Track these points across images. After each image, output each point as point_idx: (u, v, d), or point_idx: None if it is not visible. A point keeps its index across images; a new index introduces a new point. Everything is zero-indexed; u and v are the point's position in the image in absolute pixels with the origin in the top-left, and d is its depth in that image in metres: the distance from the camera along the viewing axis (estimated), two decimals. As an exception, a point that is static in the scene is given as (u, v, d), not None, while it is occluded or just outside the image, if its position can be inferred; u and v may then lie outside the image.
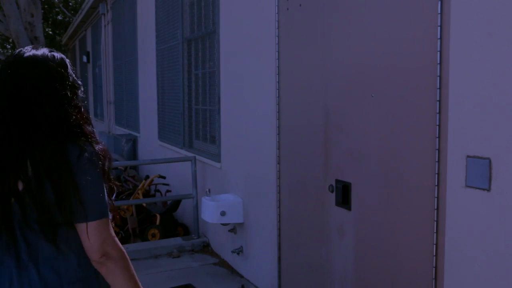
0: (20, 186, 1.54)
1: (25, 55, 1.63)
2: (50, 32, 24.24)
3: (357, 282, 2.85)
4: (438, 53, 2.21)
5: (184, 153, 6.05)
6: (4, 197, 1.55)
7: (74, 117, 1.62)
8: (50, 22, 24.31)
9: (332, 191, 3.05)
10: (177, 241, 5.44)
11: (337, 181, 3.00)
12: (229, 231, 4.66)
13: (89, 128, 1.67)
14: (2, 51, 26.07)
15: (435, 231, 2.28)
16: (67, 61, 1.71)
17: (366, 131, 2.73)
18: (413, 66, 2.38)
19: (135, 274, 1.67)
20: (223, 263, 4.88)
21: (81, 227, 1.57)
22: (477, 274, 2.08)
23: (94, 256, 1.58)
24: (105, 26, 11.54)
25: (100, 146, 1.66)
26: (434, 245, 2.29)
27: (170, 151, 6.68)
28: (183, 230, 6.09)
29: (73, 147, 1.57)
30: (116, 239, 1.64)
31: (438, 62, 2.21)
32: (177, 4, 6.18)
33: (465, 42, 2.09)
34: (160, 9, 6.99)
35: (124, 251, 1.65)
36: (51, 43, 23.32)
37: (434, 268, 2.30)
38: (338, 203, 3.00)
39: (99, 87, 12.89)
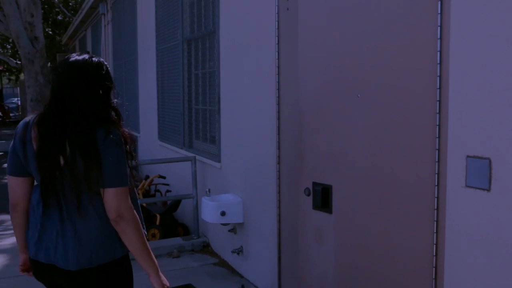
0: (62, 161, 2.00)
1: (70, 60, 2.10)
2: (50, 32, 24.22)
3: (349, 285, 2.85)
4: (438, 53, 2.21)
5: (184, 153, 6.04)
6: (51, 170, 2.03)
7: (101, 108, 2.08)
8: (50, 22, 24.28)
9: (308, 195, 3.01)
10: (177, 241, 5.43)
11: (314, 183, 2.95)
12: (229, 231, 4.66)
13: (115, 117, 2.13)
14: (2, 51, 26.05)
15: (435, 231, 2.28)
16: (105, 64, 2.14)
17: (352, 132, 2.70)
18: (413, 67, 2.38)
19: (144, 236, 2.09)
20: (223, 263, 4.88)
21: (103, 192, 2.01)
22: (477, 274, 2.08)
23: (111, 215, 2.01)
24: (105, 26, 11.55)
25: (125, 130, 2.14)
26: (434, 245, 2.29)
27: (170, 151, 6.68)
28: (183, 230, 6.09)
29: (101, 130, 2.03)
30: (131, 206, 2.06)
31: (438, 62, 2.21)
32: (177, 4, 6.18)
33: (465, 42, 2.09)
34: (160, 9, 6.99)
35: (137, 217, 2.07)
36: (51, 43, 23.31)
37: (434, 268, 2.30)
38: (316, 207, 2.95)
39: (99, 87, 12.88)
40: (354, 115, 2.67)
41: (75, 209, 2.03)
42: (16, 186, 2.15)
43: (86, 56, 2.12)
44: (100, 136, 2.01)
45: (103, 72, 2.11)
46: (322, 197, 2.88)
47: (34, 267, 2.19)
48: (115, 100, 2.17)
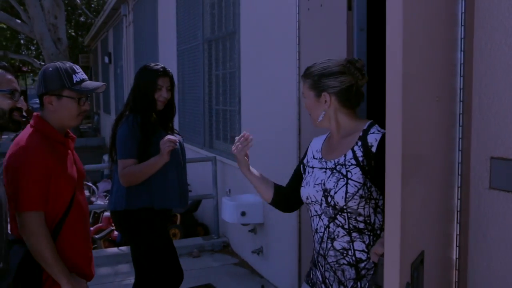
0: None
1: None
2: (73, 34, 24.57)
3: None
4: (462, 53, 2.18)
5: (204, 153, 6.07)
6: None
7: (138, 102, 3.00)
8: (73, 23, 24.65)
9: None
10: (197, 241, 5.47)
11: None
12: (249, 231, 4.67)
13: (147, 109, 2.98)
14: (26, 53, 26.49)
15: (457, 233, 2.25)
16: (151, 68, 3.00)
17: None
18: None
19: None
20: (243, 263, 4.89)
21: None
22: (502, 278, 2.05)
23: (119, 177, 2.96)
24: (126, 27, 11.66)
25: (151, 119, 2.99)
26: (457, 248, 2.25)
27: (191, 151, 6.71)
28: (203, 230, 6.12)
29: (126, 116, 2.99)
30: (124, 174, 2.88)
31: (462, 62, 2.18)
32: (197, 5, 6.21)
33: (488, 41, 2.06)
34: (181, 10, 7.04)
35: (127, 182, 2.93)
36: (73, 44, 23.65)
37: (457, 271, 2.27)
38: None
39: (120, 87, 13.03)
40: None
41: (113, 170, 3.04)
42: None
43: (148, 63, 3.07)
44: (124, 119, 2.95)
45: (146, 75, 2.98)
46: None
47: None
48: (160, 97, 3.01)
